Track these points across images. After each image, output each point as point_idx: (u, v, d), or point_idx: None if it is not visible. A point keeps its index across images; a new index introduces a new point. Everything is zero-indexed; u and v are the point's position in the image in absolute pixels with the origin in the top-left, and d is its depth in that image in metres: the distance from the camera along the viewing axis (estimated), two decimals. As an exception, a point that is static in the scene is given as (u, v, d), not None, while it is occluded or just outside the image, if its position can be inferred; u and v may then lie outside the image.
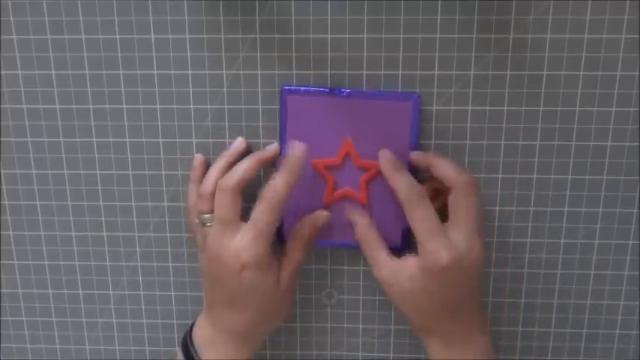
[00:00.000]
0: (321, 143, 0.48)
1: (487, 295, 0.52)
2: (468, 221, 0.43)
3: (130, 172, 0.50)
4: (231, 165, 0.46)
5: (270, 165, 0.48)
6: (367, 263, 0.47)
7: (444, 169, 0.44)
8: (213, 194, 0.45)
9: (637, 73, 0.46)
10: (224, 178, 0.44)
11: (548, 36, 0.46)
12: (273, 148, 0.47)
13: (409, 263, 0.44)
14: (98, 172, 0.51)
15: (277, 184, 0.43)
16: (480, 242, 0.43)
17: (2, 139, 0.50)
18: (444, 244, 0.42)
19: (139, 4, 0.46)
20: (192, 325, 0.48)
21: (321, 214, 0.48)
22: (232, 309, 0.45)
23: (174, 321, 0.54)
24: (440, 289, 0.43)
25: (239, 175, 0.44)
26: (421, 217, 0.43)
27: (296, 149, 0.44)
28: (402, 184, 0.44)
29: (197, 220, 0.46)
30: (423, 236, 0.42)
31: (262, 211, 0.43)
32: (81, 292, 0.54)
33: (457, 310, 0.44)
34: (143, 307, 0.54)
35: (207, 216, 0.46)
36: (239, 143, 0.48)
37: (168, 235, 0.52)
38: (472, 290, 0.45)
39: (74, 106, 0.49)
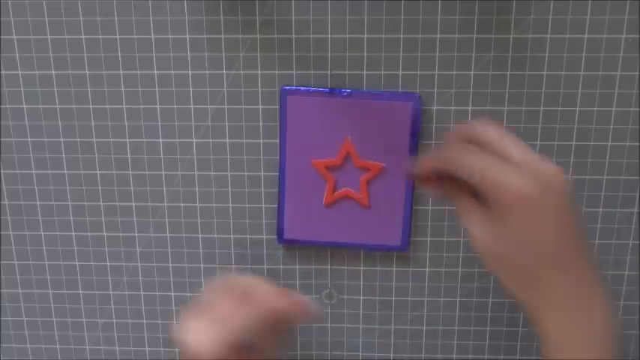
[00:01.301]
0: (321, 143, 0.48)
1: (487, 295, 0.52)
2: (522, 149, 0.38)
3: (130, 172, 0.50)
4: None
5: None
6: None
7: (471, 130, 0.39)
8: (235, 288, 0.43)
9: (637, 73, 0.46)
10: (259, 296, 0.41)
11: (548, 36, 0.46)
12: (313, 311, 0.43)
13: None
14: (98, 172, 0.51)
15: (271, 306, 0.40)
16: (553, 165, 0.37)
17: (2, 139, 0.50)
18: (519, 173, 0.36)
19: (139, 4, 0.46)
20: None
21: (302, 315, 0.42)
22: None
23: (174, 321, 0.54)
24: (532, 225, 0.37)
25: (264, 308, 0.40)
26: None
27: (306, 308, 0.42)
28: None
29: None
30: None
31: (240, 318, 0.39)
32: (81, 292, 0.54)
33: (559, 253, 0.37)
34: (143, 307, 0.54)
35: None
36: None
37: (168, 235, 0.52)
38: (569, 226, 0.37)
39: (74, 106, 0.49)
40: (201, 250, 0.52)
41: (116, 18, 0.47)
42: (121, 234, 0.52)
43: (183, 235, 0.52)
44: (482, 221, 0.39)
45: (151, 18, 0.47)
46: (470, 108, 0.47)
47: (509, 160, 0.37)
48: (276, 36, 0.47)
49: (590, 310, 0.38)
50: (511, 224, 0.37)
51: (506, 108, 0.47)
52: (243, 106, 0.48)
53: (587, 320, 0.37)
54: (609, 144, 0.48)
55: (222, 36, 0.47)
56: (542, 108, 0.47)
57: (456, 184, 0.41)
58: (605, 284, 0.38)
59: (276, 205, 0.50)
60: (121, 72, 0.48)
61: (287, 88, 0.47)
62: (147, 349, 0.55)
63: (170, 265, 0.53)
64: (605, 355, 0.37)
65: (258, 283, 0.42)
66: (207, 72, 0.48)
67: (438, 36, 0.46)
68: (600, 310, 0.38)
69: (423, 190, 0.49)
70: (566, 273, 0.37)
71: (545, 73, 0.46)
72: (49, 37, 0.47)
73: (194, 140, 0.49)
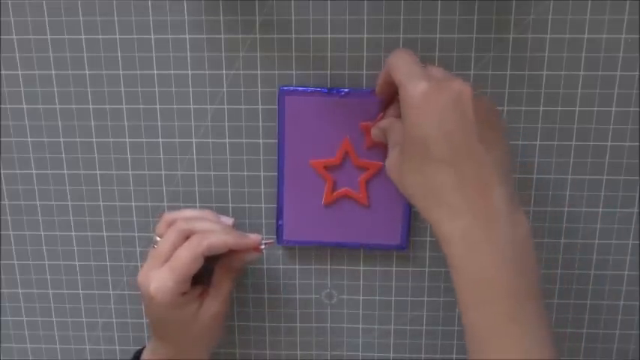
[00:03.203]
0: (320, 143, 0.48)
1: (487, 295, 0.52)
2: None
3: (130, 172, 0.50)
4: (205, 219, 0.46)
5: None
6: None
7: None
8: (172, 222, 0.45)
9: (637, 73, 0.46)
10: (185, 220, 0.45)
11: (548, 36, 0.45)
12: (254, 242, 0.45)
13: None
14: (98, 172, 0.51)
15: (212, 239, 0.43)
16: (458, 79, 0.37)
17: (2, 139, 0.50)
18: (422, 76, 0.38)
19: (138, 4, 0.46)
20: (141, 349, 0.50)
21: (253, 253, 0.45)
22: (158, 340, 0.47)
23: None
24: (427, 122, 0.36)
25: (198, 229, 0.44)
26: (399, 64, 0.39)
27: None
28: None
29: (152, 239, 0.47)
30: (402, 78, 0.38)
31: (185, 255, 0.43)
32: (81, 292, 0.54)
33: (456, 160, 0.36)
34: (143, 307, 0.54)
35: (158, 240, 0.46)
36: (227, 221, 0.48)
37: (168, 235, 0.52)
38: (468, 134, 0.36)
39: (74, 106, 0.49)
40: (201, 250, 0.52)
41: (116, 18, 0.47)
42: (120, 234, 0.52)
43: (183, 235, 0.52)
44: (396, 142, 0.41)
45: (150, 18, 0.47)
46: (469, 108, 0.47)
47: (425, 69, 0.39)
48: (275, 36, 0.47)
49: (498, 225, 0.35)
50: (409, 124, 0.37)
51: (505, 108, 0.47)
52: (242, 106, 0.48)
53: (494, 235, 0.35)
54: (609, 144, 0.48)
55: (222, 36, 0.47)
56: (541, 108, 0.47)
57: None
58: (521, 206, 0.36)
59: (275, 205, 0.50)
60: (120, 72, 0.48)
61: (285, 88, 0.47)
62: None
63: (170, 265, 0.53)
64: (517, 275, 0.35)
65: (202, 218, 0.46)
66: (207, 72, 0.48)
67: (438, 36, 0.46)
68: (510, 226, 0.35)
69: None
70: (466, 183, 0.36)
71: (544, 73, 0.46)
72: (48, 37, 0.47)
73: (194, 140, 0.49)
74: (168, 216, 0.46)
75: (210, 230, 0.44)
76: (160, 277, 0.43)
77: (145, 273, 0.44)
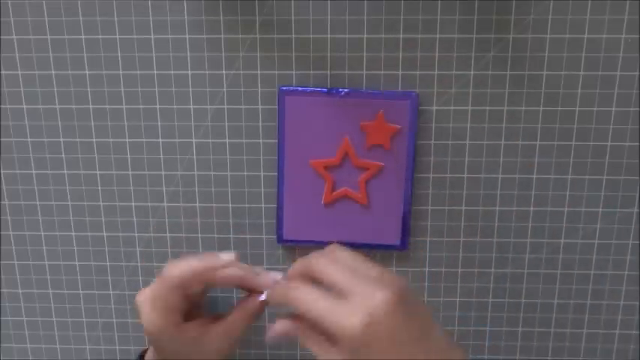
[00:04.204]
0: (319, 143, 0.48)
1: (487, 295, 0.52)
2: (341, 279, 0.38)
3: (130, 173, 0.50)
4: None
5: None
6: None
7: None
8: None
9: (637, 73, 0.46)
10: (171, 266, 0.44)
11: (548, 36, 0.45)
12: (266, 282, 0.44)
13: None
14: (98, 172, 0.51)
15: (190, 267, 0.43)
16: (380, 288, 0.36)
17: (2, 139, 0.50)
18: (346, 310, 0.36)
19: (138, 4, 0.46)
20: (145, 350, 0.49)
21: (263, 299, 0.45)
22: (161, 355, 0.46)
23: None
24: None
25: (178, 274, 0.43)
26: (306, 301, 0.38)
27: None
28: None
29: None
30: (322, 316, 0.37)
31: (165, 287, 0.43)
32: (81, 292, 0.54)
33: None
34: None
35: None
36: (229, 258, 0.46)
37: (168, 235, 0.52)
38: (411, 345, 0.36)
39: (74, 106, 0.49)
40: (201, 250, 0.52)
41: (116, 18, 0.47)
42: (121, 234, 0.52)
43: (183, 235, 0.52)
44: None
45: (150, 18, 0.47)
46: (469, 108, 0.47)
47: (338, 292, 0.37)
48: (275, 36, 0.47)
49: None
50: (347, 354, 0.36)
51: (505, 108, 0.47)
52: (242, 106, 0.48)
53: None
54: (609, 144, 0.48)
55: (222, 36, 0.47)
56: (541, 108, 0.47)
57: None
58: None
59: (275, 205, 0.50)
60: (120, 72, 0.48)
61: (285, 88, 0.47)
62: (147, 346, 0.55)
63: (170, 265, 0.53)
64: None
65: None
66: (207, 72, 0.48)
67: (438, 36, 0.46)
68: None
69: None
70: None
71: (544, 73, 0.46)
72: (48, 37, 0.47)
73: (194, 140, 0.49)
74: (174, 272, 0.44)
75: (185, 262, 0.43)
76: (148, 318, 0.43)
77: (141, 304, 0.44)
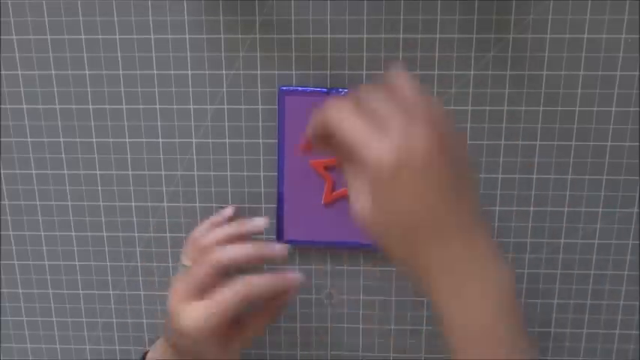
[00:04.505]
0: (320, 143, 0.48)
1: (487, 295, 0.52)
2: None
3: (130, 173, 0.50)
4: (234, 238, 0.45)
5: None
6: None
7: None
8: (203, 251, 0.45)
9: (637, 73, 0.46)
10: (221, 249, 0.43)
11: (548, 36, 0.45)
12: (279, 251, 0.44)
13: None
14: (98, 172, 0.51)
15: (257, 284, 0.42)
16: (425, 130, 0.33)
17: (2, 139, 0.50)
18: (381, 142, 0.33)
19: (138, 4, 0.46)
20: (147, 352, 0.49)
21: (285, 300, 0.45)
22: (179, 354, 0.45)
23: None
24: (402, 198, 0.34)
25: (233, 258, 0.42)
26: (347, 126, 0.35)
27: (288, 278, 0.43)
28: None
29: (181, 257, 0.46)
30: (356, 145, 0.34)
31: (226, 299, 0.41)
32: (81, 292, 0.54)
33: (431, 220, 0.34)
34: (143, 307, 0.54)
35: (186, 265, 0.45)
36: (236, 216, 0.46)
37: (168, 235, 0.52)
38: (439, 192, 0.34)
39: (74, 106, 0.49)
40: (201, 250, 0.52)
41: (116, 18, 0.47)
42: (121, 234, 0.52)
43: (183, 234, 0.52)
44: (361, 190, 0.36)
45: (150, 18, 0.47)
46: (469, 108, 0.47)
47: (378, 119, 0.34)
48: (275, 36, 0.47)
49: (481, 277, 0.35)
50: (376, 193, 0.34)
51: (505, 108, 0.47)
52: (242, 106, 0.48)
53: (477, 288, 0.35)
54: (609, 144, 0.48)
55: (222, 36, 0.47)
56: (541, 108, 0.47)
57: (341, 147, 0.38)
58: (499, 252, 0.36)
59: (275, 205, 0.50)
60: (120, 72, 0.48)
61: (285, 88, 0.47)
62: (147, 348, 0.55)
63: (170, 264, 0.53)
64: (501, 324, 0.35)
65: (232, 243, 0.44)
66: (207, 72, 0.48)
67: (438, 36, 0.46)
68: (492, 279, 0.35)
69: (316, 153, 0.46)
70: (446, 240, 0.34)
71: (544, 73, 0.46)
72: (48, 37, 0.47)
73: (194, 140, 0.49)
74: (199, 241, 0.45)
75: (254, 277, 0.43)
76: (196, 315, 0.41)
77: (179, 304, 0.42)
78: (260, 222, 0.45)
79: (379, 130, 0.34)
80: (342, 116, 0.35)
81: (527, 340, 0.36)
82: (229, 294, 0.41)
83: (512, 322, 0.35)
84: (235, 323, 0.44)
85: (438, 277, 0.35)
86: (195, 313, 0.41)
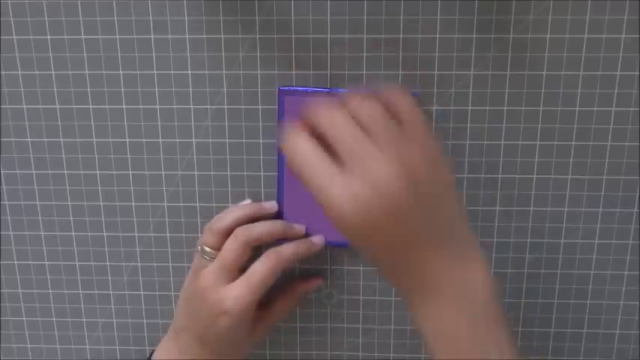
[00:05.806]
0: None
1: (487, 295, 0.52)
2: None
3: (130, 172, 0.50)
4: (251, 218, 0.46)
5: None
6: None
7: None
8: (225, 233, 0.45)
9: (637, 73, 0.46)
10: (245, 228, 0.44)
11: (548, 36, 0.45)
12: (317, 242, 0.47)
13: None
14: (98, 172, 0.51)
15: (286, 252, 0.43)
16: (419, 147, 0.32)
17: (2, 139, 0.50)
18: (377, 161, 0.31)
19: (138, 4, 0.46)
20: (153, 351, 0.49)
21: (316, 281, 0.49)
22: (201, 344, 0.45)
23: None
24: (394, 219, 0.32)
25: (259, 234, 0.44)
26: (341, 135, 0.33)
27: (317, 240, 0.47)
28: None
29: (199, 248, 0.46)
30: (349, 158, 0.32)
31: (261, 271, 0.42)
32: (81, 292, 0.54)
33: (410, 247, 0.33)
34: (143, 307, 0.54)
35: (209, 250, 0.46)
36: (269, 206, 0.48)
37: (168, 235, 0.52)
38: (409, 225, 0.32)
39: (74, 106, 0.49)
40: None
41: (116, 18, 0.47)
42: (121, 234, 0.52)
43: (183, 235, 0.52)
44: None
45: (150, 18, 0.47)
46: (469, 108, 0.47)
47: (346, 149, 0.32)
48: (275, 36, 0.47)
49: (457, 294, 0.34)
50: (346, 235, 0.33)
51: (505, 108, 0.47)
52: (242, 107, 0.48)
53: (452, 305, 0.34)
54: (609, 144, 0.48)
55: (222, 36, 0.47)
56: (541, 108, 0.47)
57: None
58: (484, 263, 0.35)
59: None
60: (120, 72, 0.48)
61: (284, 88, 0.47)
62: (147, 348, 0.55)
63: (170, 265, 0.53)
64: (479, 336, 0.34)
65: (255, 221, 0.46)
66: (207, 72, 0.48)
67: (438, 36, 0.46)
68: (467, 294, 0.34)
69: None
70: (421, 263, 0.33)
71: (544, 73, 0.46)
72: (48, 37, 0.47)
73: (194, 140, 0.49)
74: (217, 226, 0.46)
75: (282, 246, 0.44)
76: (234, 297, 0.41)
77: (213, 288, 0.42)
78: (274, 204, 0.48)
79: (343, 164, 0.32)
80: (298, 148, 0.33)
81: (512, 348, 0.35)
82: (263, 267, 0.42)
83: (492, 333, 0.34)
84: (262, 306, 0.46)
85: (415, 295, 0.35)
86: (235, 292, 0.42)
